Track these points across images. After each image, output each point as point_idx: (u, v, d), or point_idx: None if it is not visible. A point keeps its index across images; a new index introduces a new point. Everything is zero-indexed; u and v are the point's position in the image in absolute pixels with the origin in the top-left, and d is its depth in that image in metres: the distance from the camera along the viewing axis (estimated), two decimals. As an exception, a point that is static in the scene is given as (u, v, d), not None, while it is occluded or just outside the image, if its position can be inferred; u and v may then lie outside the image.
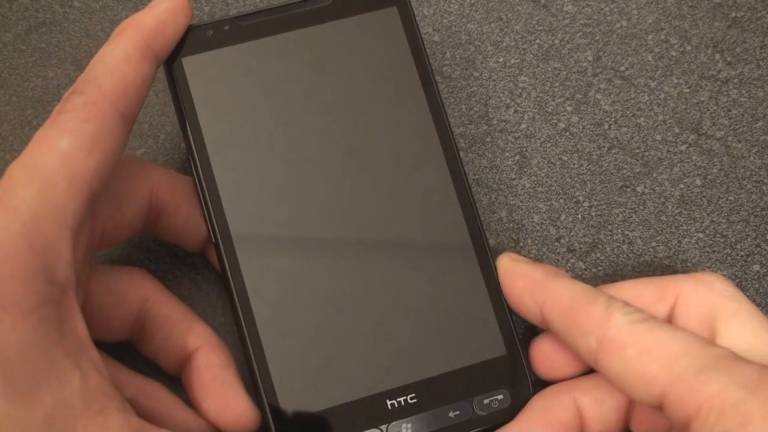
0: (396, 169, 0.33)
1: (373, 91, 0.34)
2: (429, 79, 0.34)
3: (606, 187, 0.38)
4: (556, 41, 0.40)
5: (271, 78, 0.34)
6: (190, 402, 0.32)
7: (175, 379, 0.33)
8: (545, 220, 0.37)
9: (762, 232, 0.37)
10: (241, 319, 0.32)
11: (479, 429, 0.32)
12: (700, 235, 0.37)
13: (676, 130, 0.39)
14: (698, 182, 0.38)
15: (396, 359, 0.32)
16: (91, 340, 0.27)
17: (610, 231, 0.37)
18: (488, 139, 0.38)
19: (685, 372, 0.26)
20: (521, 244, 0.37)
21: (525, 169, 0.38)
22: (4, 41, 0.39)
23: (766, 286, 0.37)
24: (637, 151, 0.38)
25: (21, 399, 0.24)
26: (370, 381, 0.32)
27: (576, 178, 0.38)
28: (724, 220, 0.37)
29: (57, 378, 0.25)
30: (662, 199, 0.38)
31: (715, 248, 0.37)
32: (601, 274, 0.37)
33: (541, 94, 0.39)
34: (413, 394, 0.32)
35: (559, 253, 0.37)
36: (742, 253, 0.37)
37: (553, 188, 0.38)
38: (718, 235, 0.37)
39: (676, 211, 0.38)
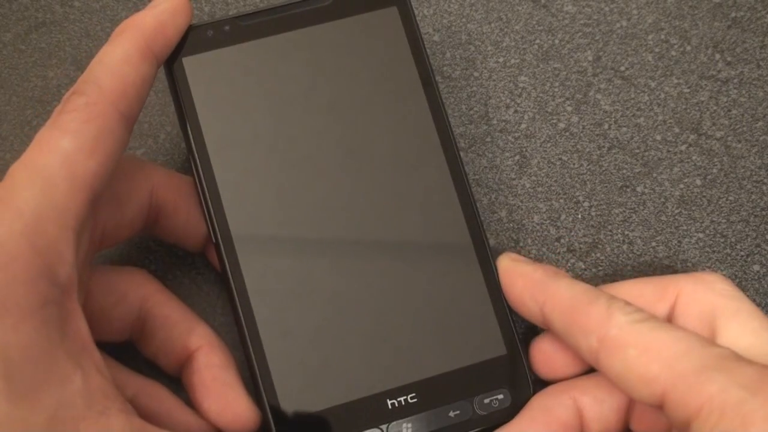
0: (396, 169, 0.33)
1: (374, 91, 0.34)
2: (429, 79, 0.34)
3: (606, 187, 0.38)
4: (556, 41, 0.40)
5: (272, 78, 0.34)
6: (190, 402, 0.32)
7: (176, 379, 0.33)
8: (545, 220, 0.37)
9: (762, 232, 0.37)
10: (242, 319, 0.32)
11: (479, 428, 0.32)
12: (700, 235, 0.37)
13: (676, 130, 0.39)
14: (698, 182, 0.38)
15: (396, 359, 0.32)
16: (92, 341, 0.27)
17: (610, 231, 0.37)
18: (488, 139, 0.38)
19: (686, 372, 0.26)
20: (521, 244, 0.37)
21: (525, 169, 0.38)
22: (4, 41, 0.39)
23: (766, 286, 0.37)
24: (637, 151, 0.38)
25: (23, 400, 0.24)
26: (371, 381, 0.32)
27: (576, 178, 0.38)
28: (724, 220, 0.37)
29: (59, 379, 0.25)
30: (662, 199, 0.38)
31: (715, 248, 0.37)
32: (601, 274, 0.37)
33: (541, 94, 0.39)
34: (413, 394, 0.32)
35: (559, 253, 0.37)
36: (742, 253, 0.37)
37: (553, 188, 0.38)
38: (718, 235, 0.37)
39: (676, 211, 0.38)
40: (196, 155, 0.33)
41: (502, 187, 0.38)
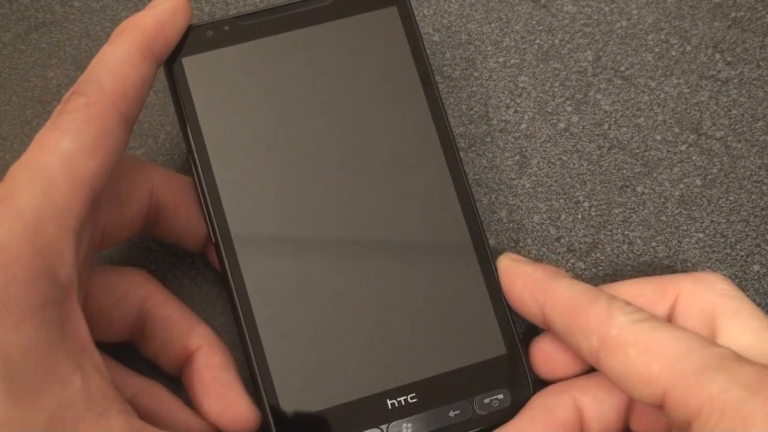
0: (396, 169, 0.33)
1: (373, 91, 0.34)
2: (429, 78, 0.34)
3: (606, 187, 0.38)
4: (556, 41, 0.40)
5: (271, 78, 0.33)
6: (190, 402, 0.32)
7: (176, 379, 0.33)
8: (545, 220, 0.37)
9: (762, 232, 0.37)
10: (241, 319, 0.32)
11: (479, 428, 0.32)
12: (700, 235, 0.37)
13: (676, 130, 0.39)
14: (698, 182, 0.38)
15: (396, 359, 0.32)
16: (92, 342, 0.27)
17: (610, 231, 0.37)
18: (488, 139, 0.38)
19: (686, 372, 0.26)
20: (521, 244, 0.37)
21: (525, 169, 0.38)
22: (4, 41, 0.39)
23: (766, 286, 0.37)
24: (637, 151, 0.38)
25: (23, 401, 0.24)
26: (371, 381, 0.32)
27: (576, 178, 0.38)
28: (724, 220, 0.38)
29: (59, 380, 0.25)
30: (662, 199, 0.38)
31: (715, 248, 0.37)
32: (601, 274, 0.37)
33: (541, 94, 0.39)
34: (413, 394, 0.32)
35: (559, 253, 0.37)
36: (742, 253, 0.37)
37: (553, 188, 0.38)
38: (718, 235, 0.37)
39: (676, 211, 0.38)
40: (195, 155, 0.33)
41: (502, 187, 0.38)
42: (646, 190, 0.38)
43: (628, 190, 0.38)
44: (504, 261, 0.33)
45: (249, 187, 0.33)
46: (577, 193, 0.38)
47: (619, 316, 0.28)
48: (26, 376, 0.25)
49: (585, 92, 0.39)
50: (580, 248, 0.37)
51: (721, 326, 0.30)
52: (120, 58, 0.30)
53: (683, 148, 0.38)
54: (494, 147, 0.38)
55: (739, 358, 0.26)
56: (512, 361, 0.32)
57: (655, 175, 0.38)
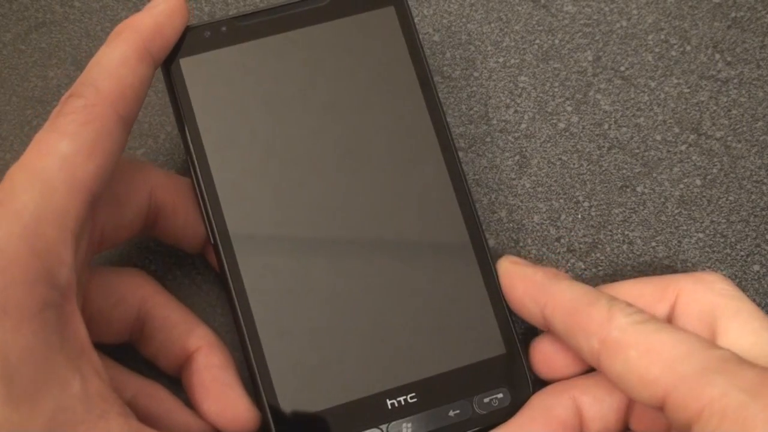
0: (394, 169, 0.33)
1: (371, 91, 0.34)
2: (427, 78, 0.34)
3: (606, 187, 0.38)
4: (556, 41, 0.40)
5: (269, 78, 0.33)
6: (190, 403, 0.32)
7: (175, 380, 0.33)
8: (545, 220, 0.37)
9: (762, 232, 0.37)
10: (241, 319, 0.32)
11: (479, 428, 0.32)
12: (700, 235, 0.37)
13: (676, 130, 0.39)
14: (698, 182, 0.38)
15: (396, 359, 0.32)
16: (91, 344, 0.27)
17: (610, 231, 0.37)
18: (488, 139, 0.38)
19: (687, 374, 0.26)
20: (521, 244, 0.37)
21: (525, 169, 0.38)
22: (4, 41, 0.39)
23: (766, 286, 0.37)
24: (637, 151, 0.38)
25: (22, 404, 0.24)
26: (370, 381, 0.32)
27: (576, 178, 0.38)
28: (724, 220, 0.37)
29: (58, 383, 0.25)
30: (662, 199, 0.38)
31: (715, 248, 0.37)
32: (601, 274, 0.37)
33: (541, 94, 0.39)
34: (413, 394, 0.32)
35: (559, 253, 0.37)
36: (742, 253, 0.37)
37: (553, 188, 0.38)
38: (718, 235, 0.37)
39: (676, 211, 0.38)
40: (193, 156, 0.32)
41: (502, 187, 0.38)
42: (646, 190, 0.38)
43: (628, 190, 0.38)
44: (504, 264, 0.33)
45: (247, 187, 0.33)
46: (577, 193, 0.38)
47: (620, 318, 0.28)
48: (25, 379, 0.25)
49: (585, 92, 0.39)
50: (580, 248, 0.37)
51: (722, 326, 0.30)
52: (117, 60, 0.30)
53: (683, 148, 0.38)
54: (494, 147, 0.38)
55: (740, 361, 0.26)
56: (512, 360, 0.32)
57: (655, 175, 0.38)
